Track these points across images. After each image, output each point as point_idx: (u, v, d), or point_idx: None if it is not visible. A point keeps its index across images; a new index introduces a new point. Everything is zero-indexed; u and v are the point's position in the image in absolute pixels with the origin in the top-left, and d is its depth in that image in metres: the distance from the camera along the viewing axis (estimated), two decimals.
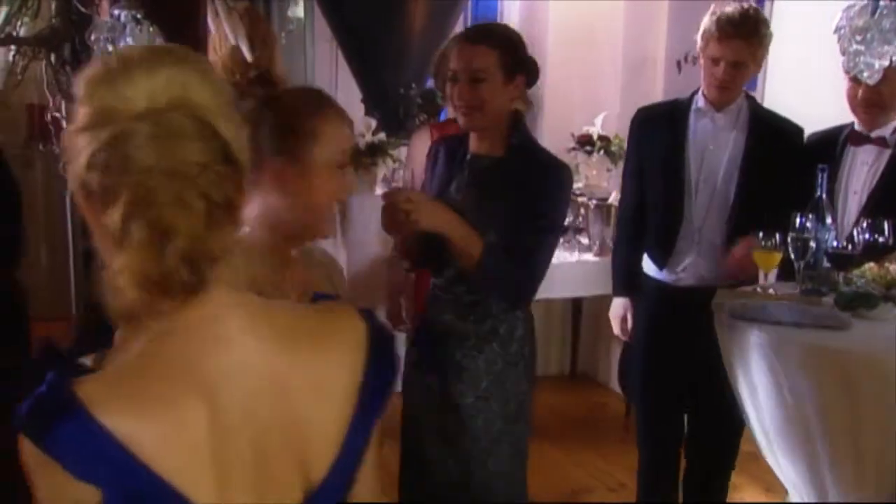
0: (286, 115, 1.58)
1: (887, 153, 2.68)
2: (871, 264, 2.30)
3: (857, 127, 2.77)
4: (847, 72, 2.38)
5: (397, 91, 4.81)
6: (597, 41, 5.66)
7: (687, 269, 2.85)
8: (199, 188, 0.91)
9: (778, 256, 2.49)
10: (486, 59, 2.20)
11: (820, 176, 2.47)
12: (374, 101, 4.89)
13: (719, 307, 2.37)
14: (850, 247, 2.34)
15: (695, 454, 2.97)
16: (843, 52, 2.33)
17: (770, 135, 2.82)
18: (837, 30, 2.35)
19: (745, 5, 2.80)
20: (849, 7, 2.34)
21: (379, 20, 4.64)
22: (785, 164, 2.76)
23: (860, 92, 2.68)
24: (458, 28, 6.14)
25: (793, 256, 2.44)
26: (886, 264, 2.30)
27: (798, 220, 2.42)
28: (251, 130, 1.25)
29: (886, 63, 2.28)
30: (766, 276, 2.53)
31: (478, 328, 2.28)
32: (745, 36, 2.66)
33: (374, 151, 4.37)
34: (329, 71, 5.60)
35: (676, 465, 3.01)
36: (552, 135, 5.92)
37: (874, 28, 2.24)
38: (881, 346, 2.06)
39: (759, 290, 2.53)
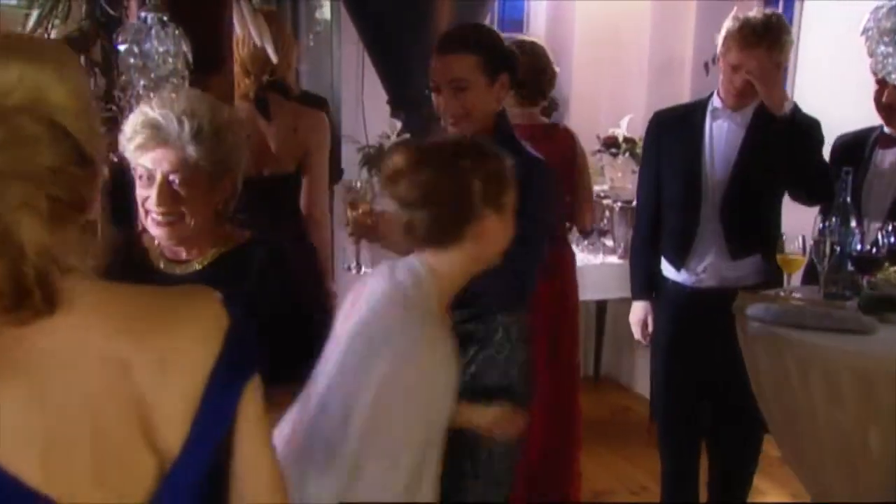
0: (492, 163, 1.61)
1: None
2: (894, 268, 2.28)
3: (885, 129, 2.76)
4: (875, 73, 2.36)
5: (422, 93, 4.82)
6: (623, 42, 5.65)
7: (707, 270, 2.83)
8: (49, 192, 0.88)
9: (801, 260, 2.48)
10: (464, 67, 2.15)
11: (844, 178, 2.45)
12: (400, 103, 4.91)
13: (741, 310, 2.36)
14: (874, 250, 2.32)
15: (717, 458, 2.96)
16: (871, 54, 2.31)
17: (782, 130, 2.70)
18: (865, 31, 2.33)
19: (769, 12, 2.78)
20: (877, 9, 2.32)
21: (405, 22, 4.64)
22: (799, 154, 2.67)
23: (885, 94, 2.67)
24: None
25: (816, 260, 2.42)
26: None
27: (821, 223, 2.41)
28: (451, 181, 1.56)
29: None
30: (789, 279, 2.51)
31: (474, 330, 2.13)
32: (768, 46, 2.63)
33: None
34: (356, 73, 5.62)
35: (698, 468, 3.00)
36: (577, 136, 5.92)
37: None
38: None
39: (782, 293, 2.51)
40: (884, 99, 2.68)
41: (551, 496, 3.12)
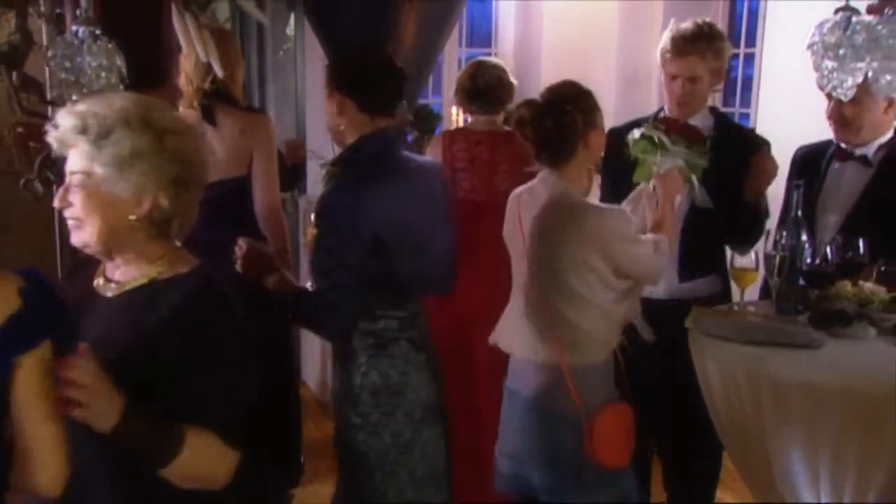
0: (583, 99, 2.32)
1: (870, 172, 2.67)
2: (846, 282, 2.27)
3: (842, 143, 2.77)
4: (821, 88, 2.36)
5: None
6: (590, 56, 5.66)
7: (658, 283, 2.82)
8: None
9: (754, 274, 2.47)
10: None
11: (795, 193, 2.44)
12: None
13: (694, 325, 2.35)
14: (823, 264, 2.32)
15: (674, 476, 2.94)
16: (816, 69, 2.31)
17: (736, 147, 2.83)
18: (810, 46, 2.32)
19: (700, 21, 2.84)
20: (821, 23, 2.32)
21: (368, 38, 4.62)
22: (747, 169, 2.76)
23: (829, 108, 2.69)
24: (454, 46, 6.18)
25: (767, 274, 2.42)
26: (861, 282, 2.27)
27: (772, 238, 2.40)
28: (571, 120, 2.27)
29: (860, 80, 2.25)
30: (742, 293, 2.50)
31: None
32: (699, 51, 2.74)
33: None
34: (321, 89, 5.60)
35: (648, 486, 2.97)
36: None
37: (846, 45, 2.22)
38: (847, 368, 2.03)
39: (735, 307, 2.50)
40: (826, 114, 2.70)
41: None
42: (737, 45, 5.46)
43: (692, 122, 2.84)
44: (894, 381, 1.96)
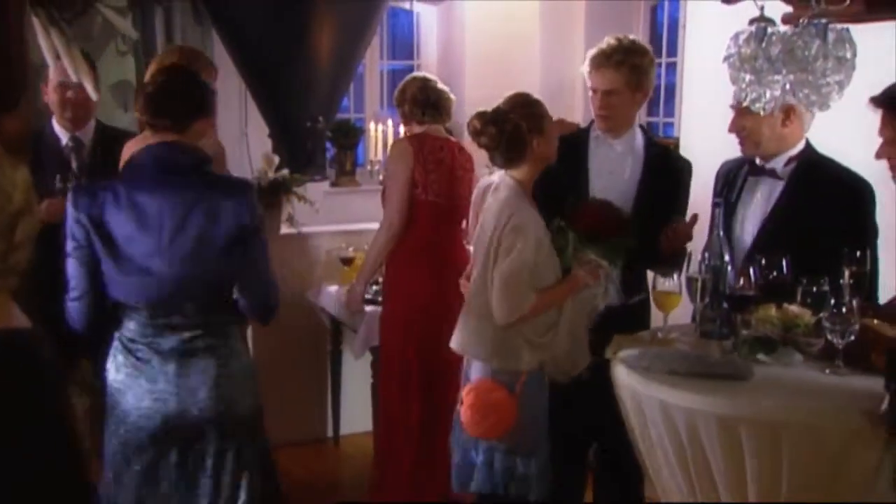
0: (529, 108, 2.54)
1: (780, 186, 2.58)
2: (770, 305, 2.17)
3: (754, 157, 2.68)
4: (739, 102, 2.25)
5: (304, 125, 4.62)
6: (513, 67, 5.57)
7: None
8: None
9: (678, 298, 2.35)
10: None
11: (715, 211, 2.34)
12: (282, 136, 4.69)
13: (613, 355, 2.22)
14: (747, 286, 2.20)
15: (604, 475, 2.92)
16: (733, 82, 2.20)
17: (663, 167, 2.85)
18: (727, 58, 2.22)
19: (622, 36, 2.83)
20: (737, 34, 2.22)
21: (280, 51, 4.43)
22: (674, 196, 2.81)
23: (730, 121, 2.61)
24: (375, 58, 6.01)
25: (689, 297, 2.30)
26: (785, 305, 2.16)
27: (693, 260, 2.29)
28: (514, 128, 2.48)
29: (777, 93, 2.15)
30: (665, 318, 2.38)
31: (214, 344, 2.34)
32: (615, 65, 2.75)
33: (277, 189, 4.16)
34: (238, 104, 5.39)
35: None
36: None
37: (762, 56, 2.12)
38: (771, 397, 1.91)
39: (658, 334, 2.38)
40: (728, 128, 2.62)
41: None
42: (658, 55, 5.41)
43: (624, 137, 2.83)
44: (819, 409, 1.86)
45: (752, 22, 2.19)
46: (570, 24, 5.47)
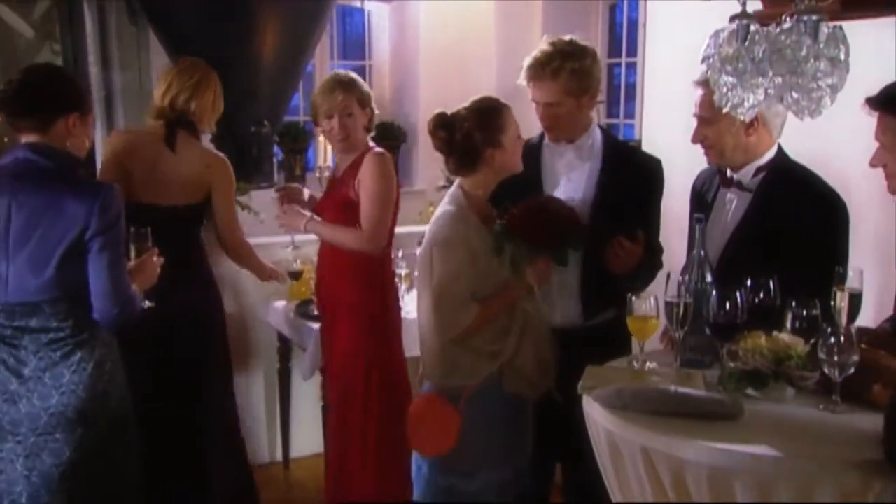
0: (487, 118, 2.39)
1: (747, 198, 2.35)
2: (759, 333, 1.93)
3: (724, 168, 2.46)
4: (720, 108, 2.01)
5: (249, 129, 4.32)
6: (470, 65, 5.38)
7: (551, 310, 2.58)
8: None
9: (655, 323, 2.10)
10: None
11: (697, 228, 2.10)
12: (224, 141, 4.37)
13: (587, 391, 1.96)
14: (734, 312, 1.96)
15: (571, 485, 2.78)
16: (714, 85, 1.96)
17: (627, 169, 2.62)
18: (705, 59, 1.98)
19: (555, 39, 2.57)
20: (717, 32, 1.98)
21: (221, 51, 4.12)
22: (643, 201, 2.59)
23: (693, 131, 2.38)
24: (325, 58, 5.72)
25: (668, 323, 2.06)
26: (775, 333, 1.93)
27: (672, 281, 2.05)
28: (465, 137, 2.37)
29: (761, 97, 1.92)
30: (641, 345, 2.14)
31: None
32: (553, 74, 2.50)
33: None
34: None
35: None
36: (426, 170, 5.54)
37: (745, 57, 1.89)
38: (763, 440, 1.67)
39: (634, 363, 2.13)
40: (692, 137, 2.39)
41: None
42: (618, 55, 5.21)
43: (580, 142, 2.62)
44: (821, 459, 1.63)
45: (732, 19, 1.95)
46: (527, 24, 5.27)
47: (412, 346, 2.96)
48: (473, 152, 2.36)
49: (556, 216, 2.37)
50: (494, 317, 2.37)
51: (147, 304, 2.44)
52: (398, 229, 4.55)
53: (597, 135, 2.67)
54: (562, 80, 2.50)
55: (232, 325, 3.55)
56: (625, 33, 5.04)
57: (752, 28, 1.90)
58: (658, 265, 2.62)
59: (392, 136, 5.66)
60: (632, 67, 5.05)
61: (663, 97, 4.40)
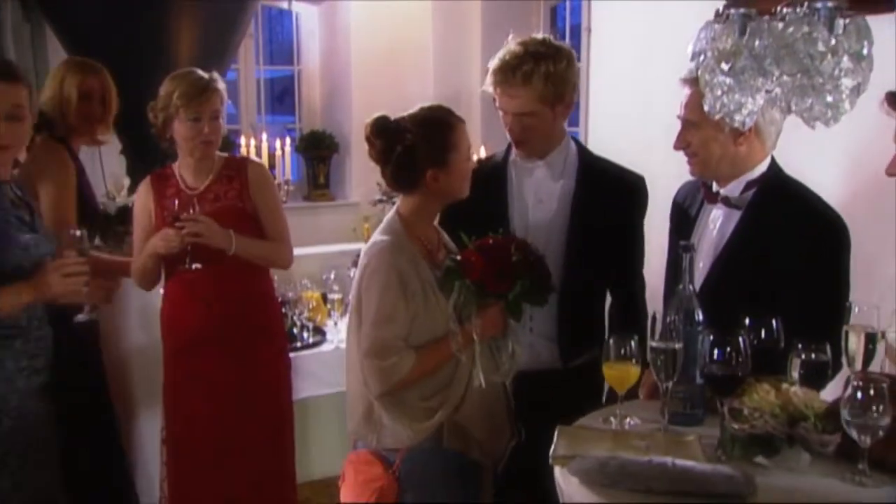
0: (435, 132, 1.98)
1: (735, 216, 1.99)
2: (765, 386, 1.56)
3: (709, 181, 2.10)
4: (711, 115, 1.64)
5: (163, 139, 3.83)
6: (405, 74, 4.99)
7: (526, 351, 2.15)
8: None
9: (635, 371, 1.72)
10: None
11: (683, 258, 1.72)
12: (137, 153, 3.87)
13: (561, 460, 1.57)
14: (735, 362, 1.59)
15: None
16: (708, 87, 1.59)
17: (605, 188, 2.23)
18: (696, 56, 1.61)
19: (526, 38, 2.18)
20: (708, 25, 1.61)
21: (129, 55, 3.64)
22: (625, 226, 2.24)
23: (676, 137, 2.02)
24: (251, 64, 5.24)
25: (654, 372, 1.67)
26: (785, 385, 1.56)
27: (658, 321, 1.67)
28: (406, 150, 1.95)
29: (761, 102, 1.56)
30: (621, 398, 1.75)
31: None
32: (524, 79, 2.12)
33: (127, 218, 3.33)
34: None
35: None
36: (360, 183, 5.12)
37: (745, 52, 1.52)
38: None
39: (612, 420, 1.75)
40: (674, 143, 2.02)
41: None
42: None
43: (552, 157, 2.24)
44: None
45: (727, 7, 1.58)
46: (466, 27, 4.91)
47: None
48: (413, 170, 1.97)
49: (522, 263, 1.94)
50: (433, 368, 1.95)
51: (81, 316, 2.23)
52: (328, 248, 4.14)
53: (571, 149, 2.28)
54: (535, 86, 2.11)
55: (138, 353, 3.14)
56: (567, 36, 4.70)
57: (753, 18, 1.54)
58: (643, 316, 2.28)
59: (323, 146, 5.22)
60: None
61: (612, 103, 4.09)
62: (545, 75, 2.11)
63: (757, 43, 1.53)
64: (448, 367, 1.97)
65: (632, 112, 3.90)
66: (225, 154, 2.84)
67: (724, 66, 1.56)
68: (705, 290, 1.90)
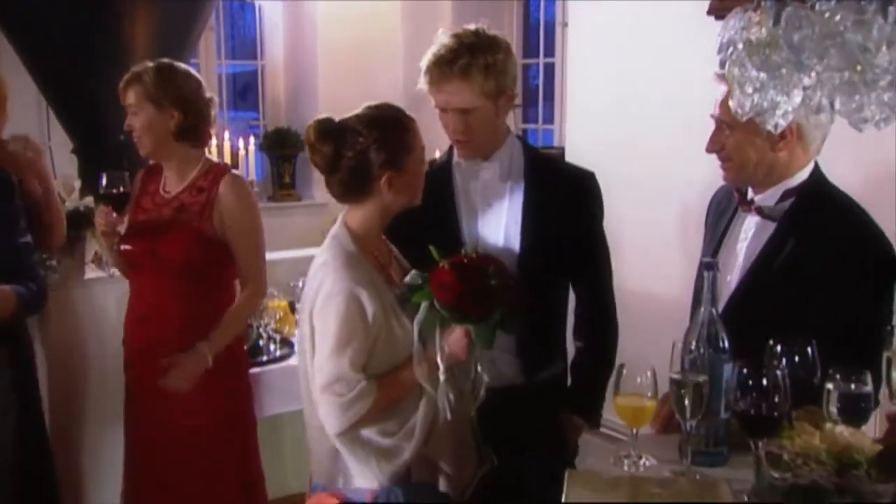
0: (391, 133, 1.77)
1: (769, 229, 1.77)
2: (805, 425, 1.34)
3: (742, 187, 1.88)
4: (739, 115, 1.42)
5: (117, 139, 3.53)
6: (374, 70, 4.75)
7: (486, 367, 1.93)
8: None
9: (651, 406, 1.49)
10: None
11: (705, 277, 1.49)
12: (89, 153, 3.58)
13: None
14: (775, 398, 1.36)
15: None
16: (736, 84, 1.36)
17: (556, 186, 2.03)
18: (724, 48, 1.38)
19: (461, 30, 1.97)
20: (736, 14, 1.38)
21: (81, 50, 3.36)
22: (581, 228, 2.05)
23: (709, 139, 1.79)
24: (212, 59, 4.93)
25: (676, 409, 1.45)
26: (829, 425, 1.34)
27: (676, 351, 1.43)
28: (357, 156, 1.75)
29: (798, 101, 1.34)
30: (634, 435, 1.52)
31: None
32: (461, 73, 1.91)
33: (79, 221, 3.04)
34: (37, 112, 4.21)
35: None
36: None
37: (782, 42, 1.30)
38: None
39: (625, 459, 1.52)
40: (707, 145, 1.79)
41: None
42: (535, 55, 4.66)
43: (497, 156, 2.02)
44: None
45: None
46: (436, 20, 4.66)
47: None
48: (367, 176, 1.75)
49: (499, 288, 1.71)
50: (397, 400, 1.73)
51: None
52: (297, 253, 3.85)
53: (516, 147, 2.07)
54: (473, 80, 1.90)
55: (91, 370, 2.90)
56: (542, 32, 4.48)
57: (790, 7, 1.31)
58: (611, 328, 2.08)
59: (288, 144, 4.94)
60: (549, 68, 4.49)
61: (589, 100, 3.88)
62: (484, 67, 1.91)
63: (794, 35, 1.30)
64: (411, 399, 1.75)
65: (612, 110, 3.70)
66: (213, 159, 2.55)
67: (756, 60, 1.32)
68: (730, 309, 1.68)
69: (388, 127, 1.76)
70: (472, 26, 1.99)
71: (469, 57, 1.90)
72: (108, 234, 2.39)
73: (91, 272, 3.13)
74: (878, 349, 1.47)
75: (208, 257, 2.35)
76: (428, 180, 1.93)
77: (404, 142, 1.76)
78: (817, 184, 1.77)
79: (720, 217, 1.89)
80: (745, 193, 1.81)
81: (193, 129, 2.40)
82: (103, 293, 3.11)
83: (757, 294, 1.72)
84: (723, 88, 1.69)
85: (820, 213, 1.72)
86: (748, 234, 1.79)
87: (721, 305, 1.66)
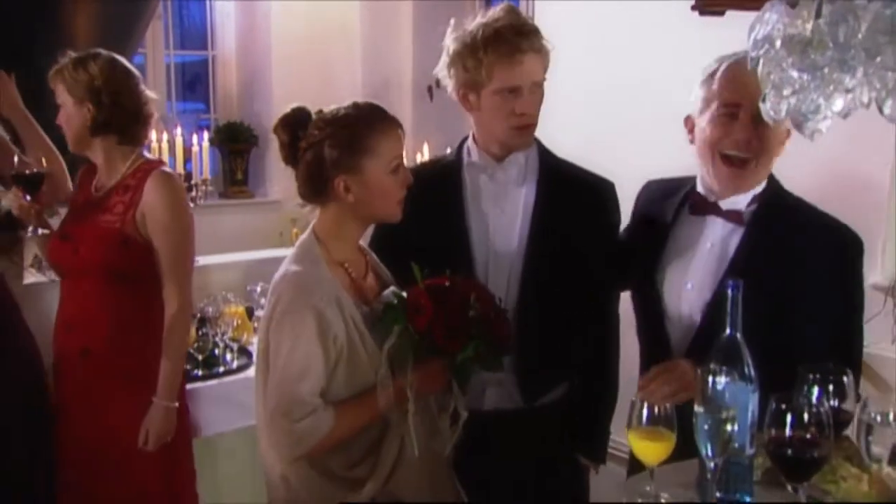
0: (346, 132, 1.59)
1: (738, 233, 1.67)
2: (847, 465, 1.18)
3: (700, 188, 1.75)
4: (771, 120, 1.25)
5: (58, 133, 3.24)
6: (330, 61, 4.51)
7: (486, 389, 1.79)
8: None
9: (670, 441, 1.32)
10: None
11: (732, 296, 1.32)
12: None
13: None
14: (813, 435, 1.19)
15: None
16: (772, 85, 1.19)
17: (572, 195, 1.84)
18: (758, 44, 1.20)
19: (504, 9, 1.79)
20: (771, 7, 1.21)
21: (17, 38, 3.07)
22: (597, 241, 1.86)
23: (727, 141, 1.64)
24: (159, 48, 4.61)
25: (700, 446, 1.27)
26: (875, 467, 1.19)
27: (708, 384, 1.26)
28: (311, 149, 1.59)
29: (840, 106, 1.18)
30: (651, 473, 1.35)
31: None
32: (537, 46, 1.76)
33: (14, 223, 2.74)
34: None
35: None
36: (283, 178, 4.59)
37: (826, 39, 1.13)
38: None
39: (639, 499, 1.34)
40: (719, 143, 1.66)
41: None
42: None
43: (512, 158, 1.82)
44: None
45: None
46: (396, 10, 4.46)
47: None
48: (321, 175, 1.59)
49: (480, 320, 1.53)
50: (357, 429, 1.54)
51: None
52: (255, 255, 3.58)
53: (533, 149, 1.87)
54: (544, 54, 1.77)
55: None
56: None
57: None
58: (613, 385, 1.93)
59: (241, 139, 4.66)
60: None
61: (560, 101, 3.71)
62: (544, 46, 1.78)
63: (839, 30, 1.13)
64: (376, 428, 1.56)
65: (585, 110, 3.55)
66: (147, 155, 2.30)
67: (794, 59, 1.15)
68: (707, 319, 1.56)
69: (346, 123, 1.58)
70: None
71: (537, 31, 1.76)
72: (23, 218, 2.19)
73: (31, 276, 2.85)
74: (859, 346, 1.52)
75: (134, 261, 2.12)
76: (432, 180, 1.76)
77: (361, 143, 1.57)
78: (777, 187, 1.71)
79: (654, 218, 1.78)
80: (700, 194, 1.72)
81: (109, 124, 2.15)
82: (40, 298, 2.83)
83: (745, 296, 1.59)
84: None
85: (786, 212, 1.68)
86: (710, 243, 1.69)
87: (696, 321, 1.63)
